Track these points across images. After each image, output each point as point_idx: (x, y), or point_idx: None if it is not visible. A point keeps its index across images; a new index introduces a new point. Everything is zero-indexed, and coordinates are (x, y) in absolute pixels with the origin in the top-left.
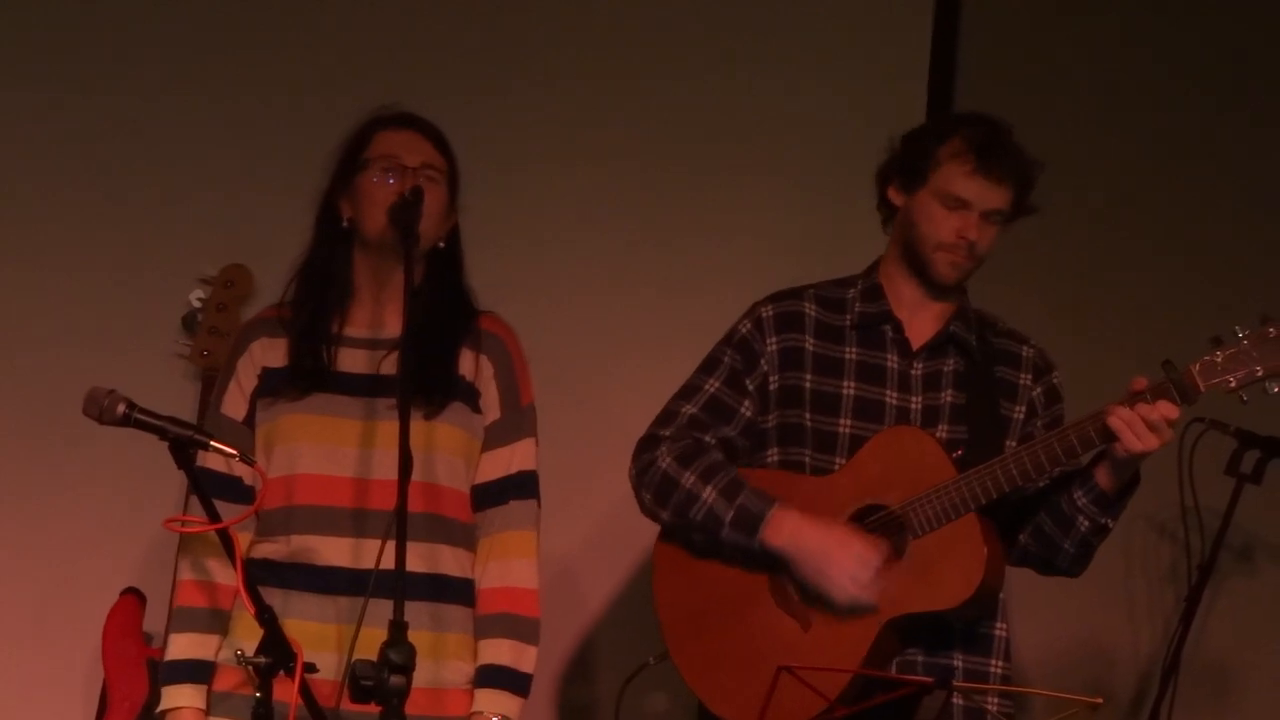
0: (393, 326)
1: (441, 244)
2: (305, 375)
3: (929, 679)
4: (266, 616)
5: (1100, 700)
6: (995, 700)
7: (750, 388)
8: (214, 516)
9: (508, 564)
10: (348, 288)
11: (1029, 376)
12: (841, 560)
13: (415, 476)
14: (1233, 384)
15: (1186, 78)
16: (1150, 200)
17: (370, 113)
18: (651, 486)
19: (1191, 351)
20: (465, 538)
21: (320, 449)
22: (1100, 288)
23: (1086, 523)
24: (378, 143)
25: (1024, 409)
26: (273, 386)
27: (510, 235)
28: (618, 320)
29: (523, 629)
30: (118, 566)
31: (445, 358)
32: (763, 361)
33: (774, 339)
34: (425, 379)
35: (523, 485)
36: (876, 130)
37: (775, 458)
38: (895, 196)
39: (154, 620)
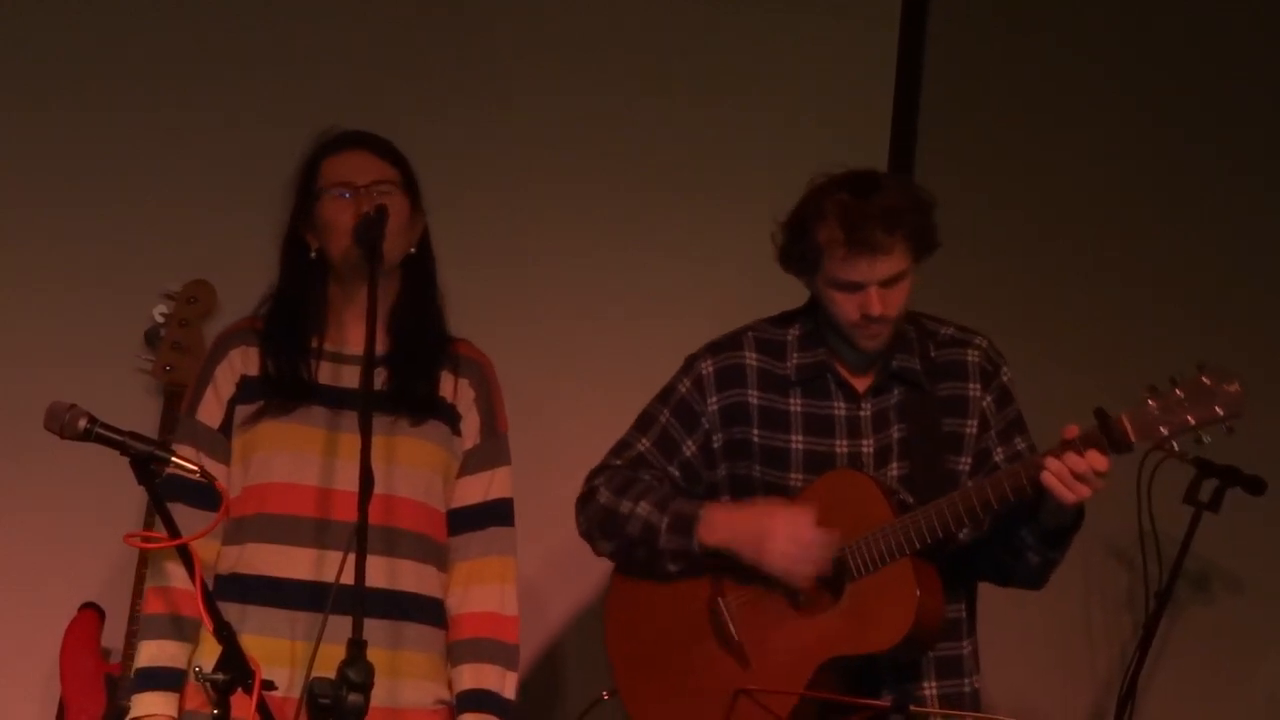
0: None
1: (413, 249)
2: (289, 387)
3: (885, 703)
4: (225, 634)
5: None
6: None
7: (687, 454)
8: (174, 532)
9: (490, 590)
10: (323, 310)
11: (977, 385)
12: (776, 528)
13: (394, 491)
14: (1165, 433)
15: (1157, 97)
16: (1113, 217)
17: (315, 139)
18: (595, 525)
19: (1152, 371)
20: (437, 556)
21: (297, 459)
22: (1059, 306)
23: (1036, 557)
24: (326, 170)
25: (976, 422)
26: (252, 395)
27: (476, 256)
28: (585, 342)
29: (505, 655)
30: (77, 581)
31: (428, 373)
32: (704, 421)
33: (715, 398)
34: (408, 394)
35: (501, 512)
36: (845, 156)
37: None
38: (802, 279)
39: (112, 635)
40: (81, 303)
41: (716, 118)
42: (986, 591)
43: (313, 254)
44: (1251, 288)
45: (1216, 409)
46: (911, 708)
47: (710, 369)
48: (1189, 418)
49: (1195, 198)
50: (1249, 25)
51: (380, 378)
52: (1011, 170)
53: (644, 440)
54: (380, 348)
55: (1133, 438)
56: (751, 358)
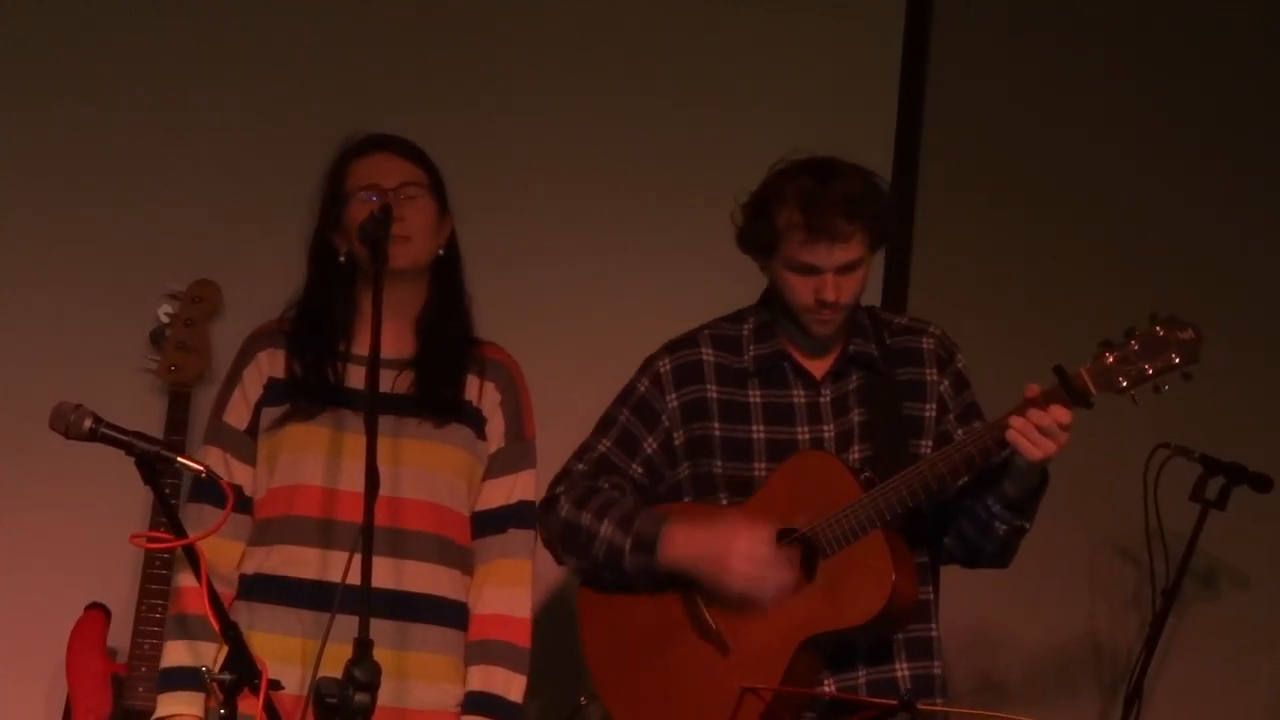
0: (400, 346)
1: (441, 251)
2: (315, 390)
3: (893, 700)
4: (231, 633)
5: None
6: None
7: (648, 451)
8: (179, 532)
9: (502, 591)
10: (350, 313)
11: (934, 370)
12: (735, 547)
13: (401, 493)
14: (1124, 384)
15: (1160, 97)
16: (1114, 217)
17: (341, 144)
18: (556, 537)
19: None
20: (456, 558)
21: (320, 462)
22: (1060, 307)
23: (1004, 527)
24: (354, 173)
25: (934, 406)
26: (278, 398)
27: (475, 255)
28: (583, 342)
29: (513, 657)
30: (83, 581)
31: (453, 377)
32: (664, 418)
33: (674, 394)
34: (431, 397)
35: (523, 515)
36: (848, 156)
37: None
38: (757, 262)
39: (119, 635)
40: (86, 303)
41: (717, 118)
42: (992, 591)
43: (341, 257)
44: (1254, 287)
45: (1173, 356)
46: (919, 705)
47: (668, 366)
48: (1146, 367)
49: (1198, 197)
50: (1251, 25)
51: (406, 380)
52: (1014, 171)
53: (605, 441)
54: (407, 350)
55: (1093, 390)
56: (708, 354)
